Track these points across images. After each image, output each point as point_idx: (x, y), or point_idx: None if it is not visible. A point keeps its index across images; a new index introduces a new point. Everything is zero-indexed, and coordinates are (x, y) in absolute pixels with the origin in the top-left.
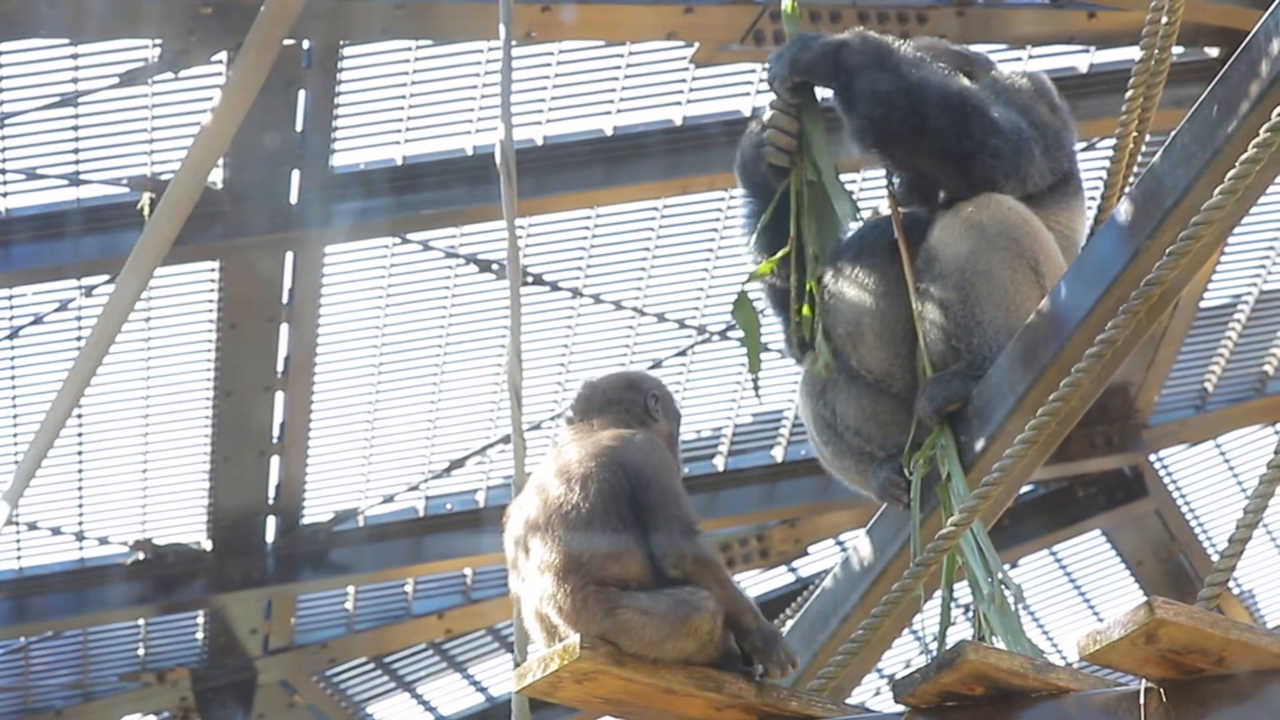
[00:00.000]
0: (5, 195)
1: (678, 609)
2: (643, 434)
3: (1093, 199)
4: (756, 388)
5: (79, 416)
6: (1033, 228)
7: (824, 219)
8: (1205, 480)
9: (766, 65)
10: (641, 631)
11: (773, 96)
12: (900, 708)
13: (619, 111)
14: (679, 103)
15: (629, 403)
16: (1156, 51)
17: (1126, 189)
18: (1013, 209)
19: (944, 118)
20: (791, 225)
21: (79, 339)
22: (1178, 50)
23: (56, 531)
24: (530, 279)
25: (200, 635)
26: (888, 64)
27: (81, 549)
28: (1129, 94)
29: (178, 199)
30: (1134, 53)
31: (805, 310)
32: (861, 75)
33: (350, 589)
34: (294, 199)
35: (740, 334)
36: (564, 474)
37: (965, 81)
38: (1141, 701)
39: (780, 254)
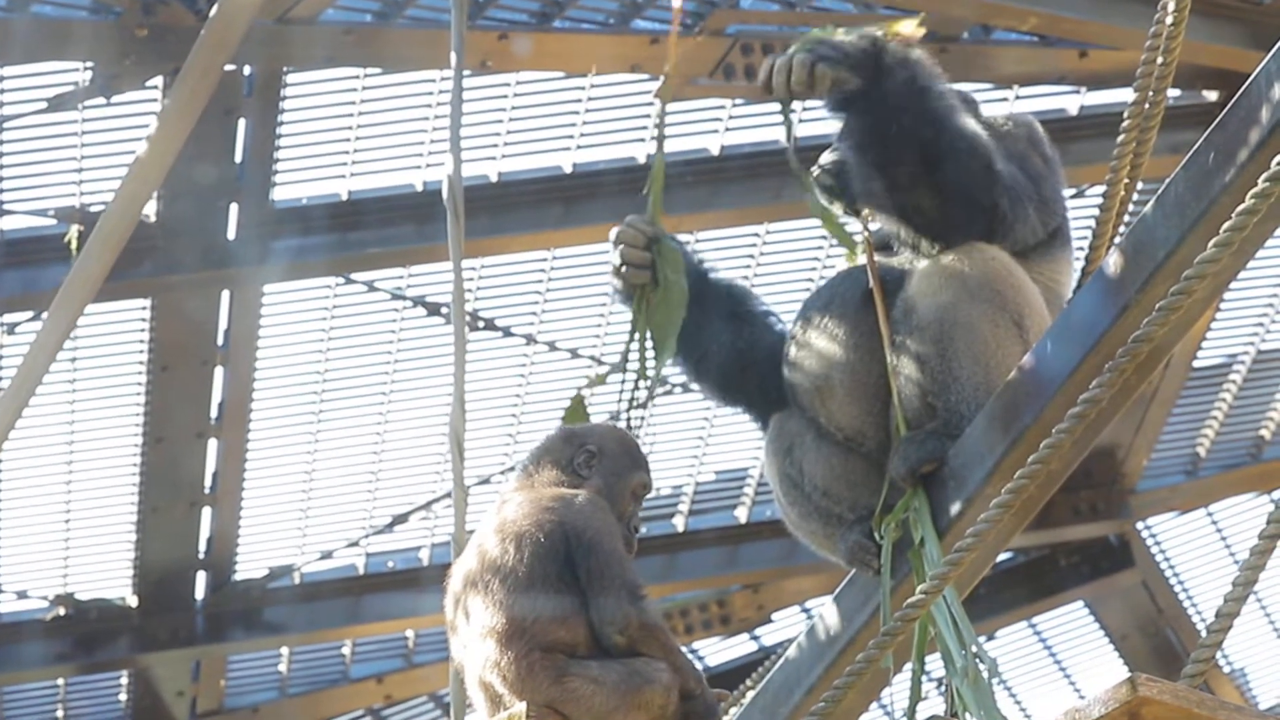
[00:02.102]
0: None
1: (630, 679)
2: (585, 494)
3: (1080, 249)
4: None
5: None
6: (1017, 279)
7: (660, 336)
8: (1195, 551)
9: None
10: (591, 701)
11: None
12: None
13: (578, 148)
14: (642, 140)
15: (562, 457)
16: (1151, 94)
17: (1116, 240)
18: (996, 259)
19: (950, 166)
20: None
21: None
22: (1173, 93)
23: None
24: (481, 324)
25: (123, 697)
26: (905, 87)
27: None
28: (1121, 138)
29: (110, 232)
30: (1127, 95)
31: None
32: (872, 95)
33: (284, 650)
34: (231, 234)
35: None
36: (504, 533)
37: (979, 131)
38: None
39: (608, 370)
